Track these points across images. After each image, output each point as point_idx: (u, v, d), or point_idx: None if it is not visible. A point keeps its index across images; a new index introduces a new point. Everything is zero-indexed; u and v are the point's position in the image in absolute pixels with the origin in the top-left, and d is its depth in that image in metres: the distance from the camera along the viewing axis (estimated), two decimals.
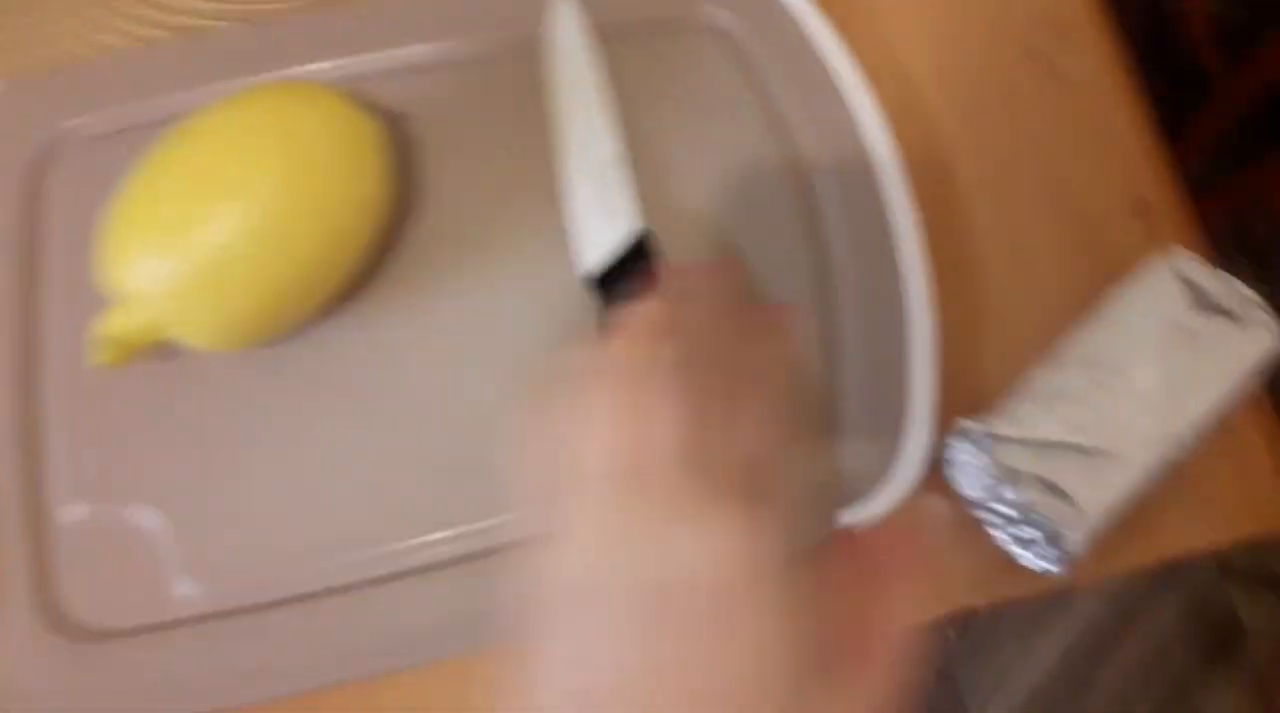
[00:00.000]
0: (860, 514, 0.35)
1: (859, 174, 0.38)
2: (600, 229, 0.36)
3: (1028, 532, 0.33)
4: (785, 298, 0.37)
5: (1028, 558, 0.34)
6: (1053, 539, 0.32)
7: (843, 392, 0.36)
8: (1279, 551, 1.06)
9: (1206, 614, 1.05)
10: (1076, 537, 0.31)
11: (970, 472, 0.34)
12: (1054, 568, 0.33)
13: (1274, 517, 0.37)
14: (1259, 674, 1.03)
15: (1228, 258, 0.35)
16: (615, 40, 0.39)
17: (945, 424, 0.35)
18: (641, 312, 0.23)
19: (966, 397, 0.36)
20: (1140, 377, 0.32)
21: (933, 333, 0.36)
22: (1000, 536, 0.35)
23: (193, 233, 0.31)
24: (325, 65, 0.39)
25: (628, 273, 0.36)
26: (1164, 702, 1.02)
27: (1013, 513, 0.33)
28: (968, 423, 0.34)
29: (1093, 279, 0.37)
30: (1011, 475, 0.32)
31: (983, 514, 0.35)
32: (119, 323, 0.31)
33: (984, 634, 1.05)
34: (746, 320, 0.24)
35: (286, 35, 0.40)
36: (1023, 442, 0.32)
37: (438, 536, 0.34)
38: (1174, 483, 0.34)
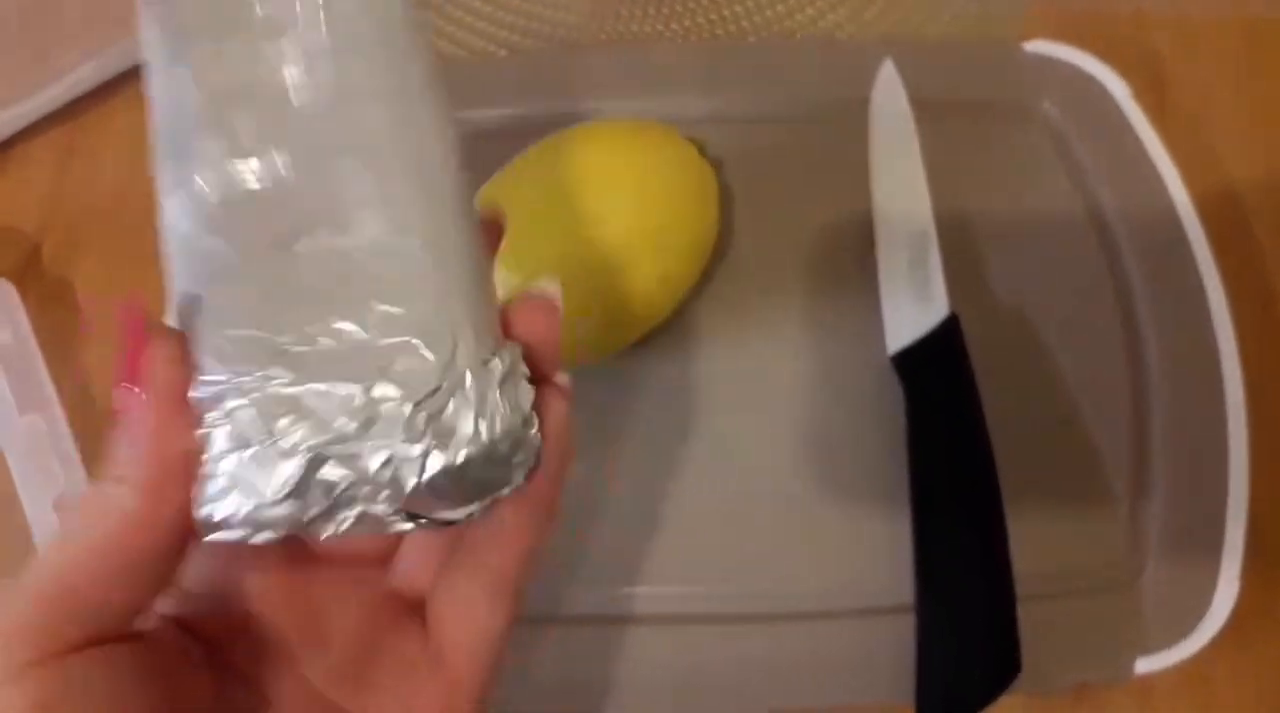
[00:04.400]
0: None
1: (1179, 284, 0.37)
2: (908, 308, 0.36)
3: None
4: (1096, 404, 0.36)
5: None
6: None
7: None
8: None
9: None
10: None
11: None
12: None
13: None
14: None
15: None
16: (938, 116, 0.38)
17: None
18: None
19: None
20: None
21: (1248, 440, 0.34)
22: None
23: (538, 250, 0.32)
24: (651, 104, 0.39)
25: (931, 356, 0.35)
26: None
27: None
28: None
29: None
30: None
31: None
32: None
33: None
34: None
35: (605, 64, 0.41)
36: None
37: (671, 590, 0.34)
38: None
